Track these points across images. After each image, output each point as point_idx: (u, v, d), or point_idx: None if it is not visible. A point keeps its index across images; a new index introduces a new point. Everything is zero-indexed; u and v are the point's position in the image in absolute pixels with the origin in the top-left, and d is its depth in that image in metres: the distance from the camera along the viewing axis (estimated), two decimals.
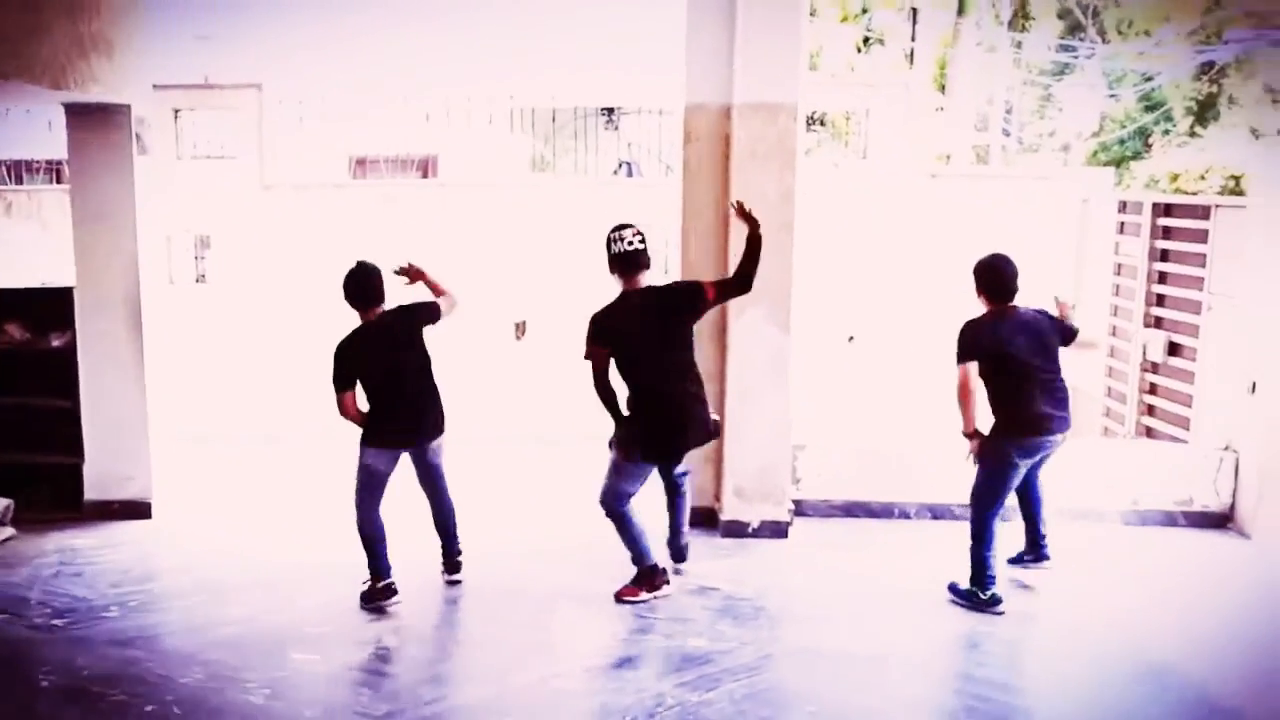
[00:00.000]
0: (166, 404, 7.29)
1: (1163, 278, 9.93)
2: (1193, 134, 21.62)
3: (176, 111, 16.99)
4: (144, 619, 5.50)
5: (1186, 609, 5.84)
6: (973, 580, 5.63)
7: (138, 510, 6.99)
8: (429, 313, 5.63)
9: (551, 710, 4.59)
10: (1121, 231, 10.73)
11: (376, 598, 5.55)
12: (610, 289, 5.53)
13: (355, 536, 5.54)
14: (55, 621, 5.45)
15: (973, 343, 5.46)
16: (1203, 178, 19.65)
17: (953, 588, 5.74)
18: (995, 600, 5.58)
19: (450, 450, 5.80)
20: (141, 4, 6.95)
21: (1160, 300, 9.95)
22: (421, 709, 4.56)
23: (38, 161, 18.66)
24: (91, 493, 7.01)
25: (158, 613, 5.60)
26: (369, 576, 5.59)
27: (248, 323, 14.85)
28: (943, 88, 22.96)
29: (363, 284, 5.48)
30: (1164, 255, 9.92)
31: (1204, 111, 21.79)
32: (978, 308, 5.58)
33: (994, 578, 5.60)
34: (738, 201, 5.59)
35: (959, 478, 7.09)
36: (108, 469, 7.01)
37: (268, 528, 6.94)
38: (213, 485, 7.76)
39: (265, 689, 4.71)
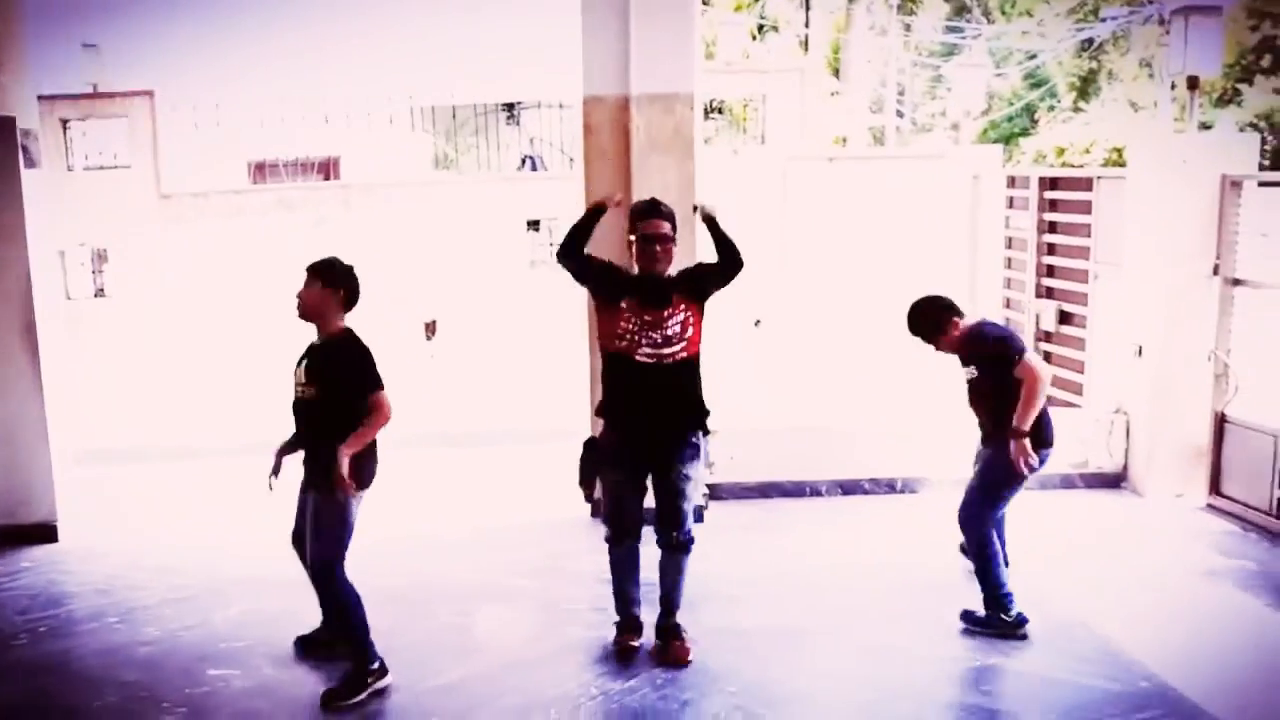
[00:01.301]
0: (69, 422, 7.05)
1: (1051, 249, 10.19)
2: (1076, 109, 22.19)
3: (65, 122, 16.46)
4: (54, 645, 5.31)
5: (1088, 566, 6.03)
6: (990, 605, 5.14)
7: (43, 533, 6.72)
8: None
9: (475, 708, 4.55)
10: (1011, 206, 10.98)
11: (374, 680, 4.65)
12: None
13: (275, 555, 5.18)
14: None
15: (1014, 336, 5.15)
16: (1087, 151, 20.15)
17: (966, 616, 5.22)
18: (1022, 620, 5.10)
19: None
20: (22, 13, 6.68)
21: (1050, 271, 10.21)
22: (344, 716, 4.49)
23: None
24: None
25: (68, 638, 5.41)
26: (354, 666, 4.64)
27: (152, 335, 14.46)
28: (837, 72, 23.27)
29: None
30: (1052, 227, 10.17)
31: (1086, 87, 22.38)
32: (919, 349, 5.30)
33: (1012, 595, 5.13)
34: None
35: (867, 453, 7.20)
36: (9, 492, 6.73)
37: (179, 544, 6.73)
38: (120, 504, 7.51)
39: (182, 707, 4.59)
